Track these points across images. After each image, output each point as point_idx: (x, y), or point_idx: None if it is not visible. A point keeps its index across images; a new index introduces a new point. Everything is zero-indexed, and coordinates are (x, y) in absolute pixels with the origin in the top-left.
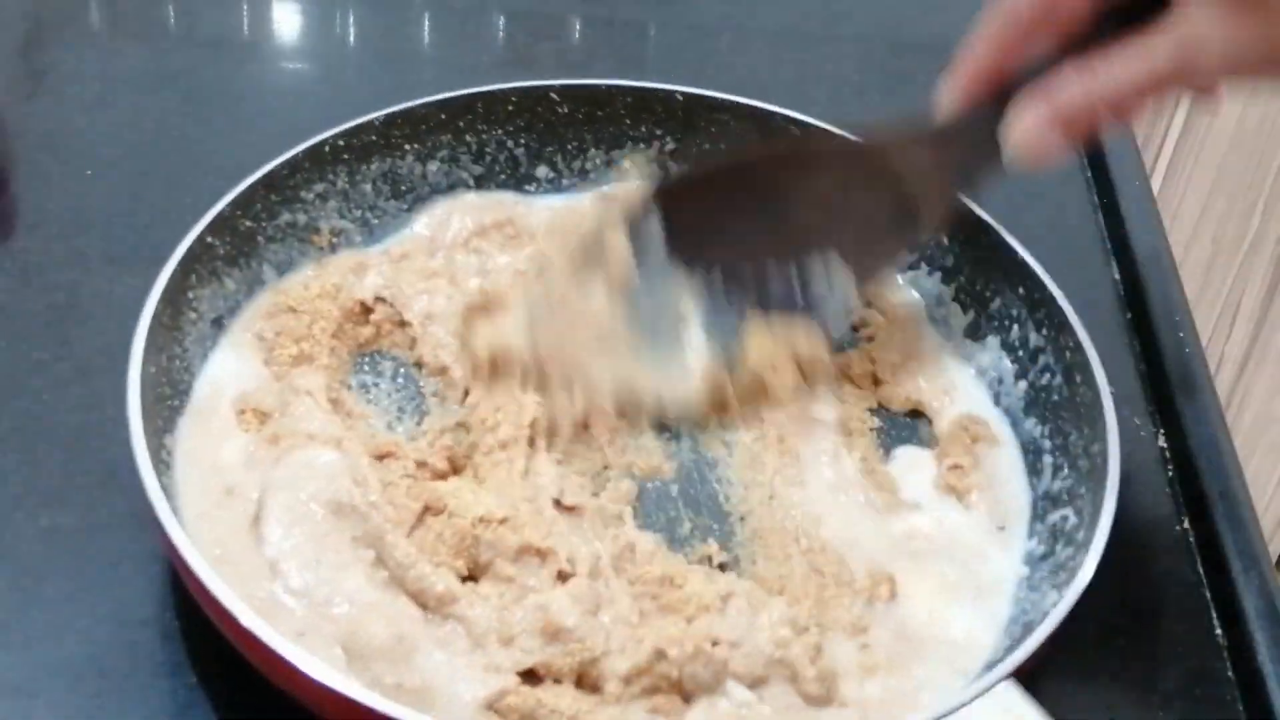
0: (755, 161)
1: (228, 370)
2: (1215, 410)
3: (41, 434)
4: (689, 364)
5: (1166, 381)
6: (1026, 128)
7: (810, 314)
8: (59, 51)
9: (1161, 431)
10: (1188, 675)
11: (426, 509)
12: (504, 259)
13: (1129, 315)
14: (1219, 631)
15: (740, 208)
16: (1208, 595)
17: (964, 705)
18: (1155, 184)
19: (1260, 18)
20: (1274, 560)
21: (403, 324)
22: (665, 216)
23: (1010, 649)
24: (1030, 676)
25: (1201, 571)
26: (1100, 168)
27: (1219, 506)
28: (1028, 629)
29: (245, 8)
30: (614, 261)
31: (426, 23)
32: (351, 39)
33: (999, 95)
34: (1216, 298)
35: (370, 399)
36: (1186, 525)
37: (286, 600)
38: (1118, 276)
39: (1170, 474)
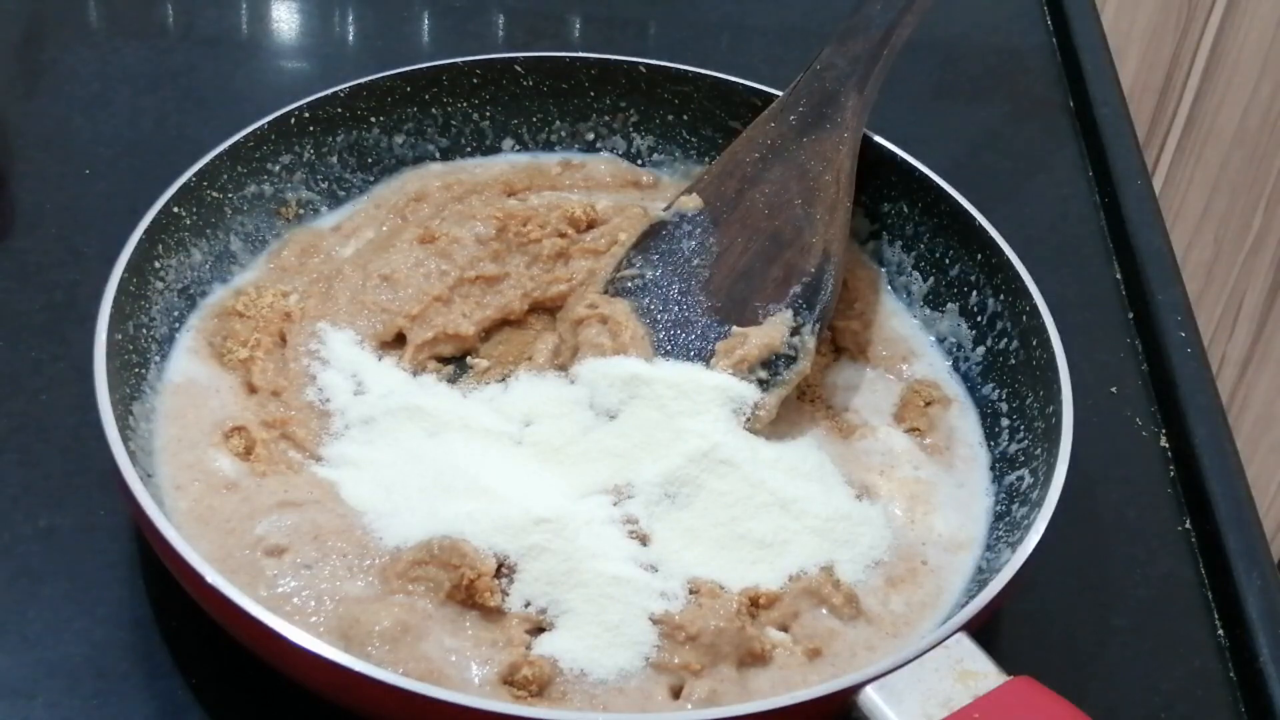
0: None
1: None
2: (1217, 410)
3: (40, 434)
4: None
5: (1168, 382)
6: None
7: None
8: (57, 50)
9: (1163, 432)
10: (1188, 675)
11: None
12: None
13: (1130, 315)
14: (1220, 632)
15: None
16: (1209, 595)
17: (919, 657)
18: (1157, 183)
19: None
20: (1276, 561)
21: None
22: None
23: (961, 605)
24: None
25: (1203, 572)
26: (1102, 167)
27: (1220, 507)
28: (982, 585)
29: (244, 7)
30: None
31: (426, 22)
32: (351, 38)
33: None
34: (1218, 298)
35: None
36: (1188, 525)
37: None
38: (1119, 276)
39: (1172, 474)
